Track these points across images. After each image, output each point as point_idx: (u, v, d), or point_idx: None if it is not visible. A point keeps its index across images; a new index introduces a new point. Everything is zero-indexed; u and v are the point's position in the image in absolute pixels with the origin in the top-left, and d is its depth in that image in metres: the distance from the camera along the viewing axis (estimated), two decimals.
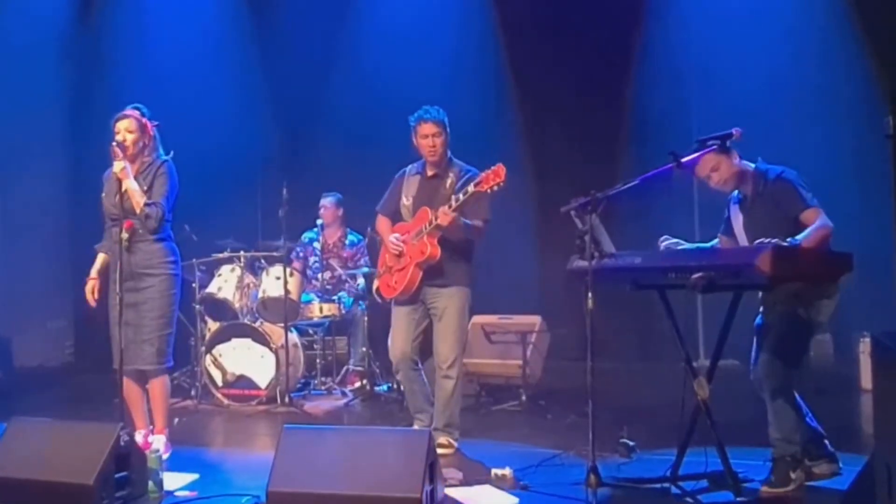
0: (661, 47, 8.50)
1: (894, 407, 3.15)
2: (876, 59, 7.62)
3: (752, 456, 4.45)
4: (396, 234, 5.04)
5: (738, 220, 4.40)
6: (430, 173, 5.10)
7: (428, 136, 4.99)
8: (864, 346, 6.81)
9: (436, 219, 4.76)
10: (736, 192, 4.39)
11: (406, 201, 5.12)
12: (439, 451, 4.74)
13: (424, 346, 5.18)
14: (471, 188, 4.69)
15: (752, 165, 4.32)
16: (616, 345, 8.23)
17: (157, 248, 4.93)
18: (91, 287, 5.08)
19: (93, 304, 5.08)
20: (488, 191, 4.65)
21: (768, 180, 4.24)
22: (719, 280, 3.82)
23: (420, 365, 5.19)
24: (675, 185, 7.36)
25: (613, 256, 4.04)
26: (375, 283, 5.32)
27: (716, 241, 4.58)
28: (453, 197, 4.78)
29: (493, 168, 4.65)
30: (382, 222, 5.27)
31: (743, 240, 4.35)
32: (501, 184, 4.62)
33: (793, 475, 4.14)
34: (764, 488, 4.14)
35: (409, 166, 5.24)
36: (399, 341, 5.08)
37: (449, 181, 5.02)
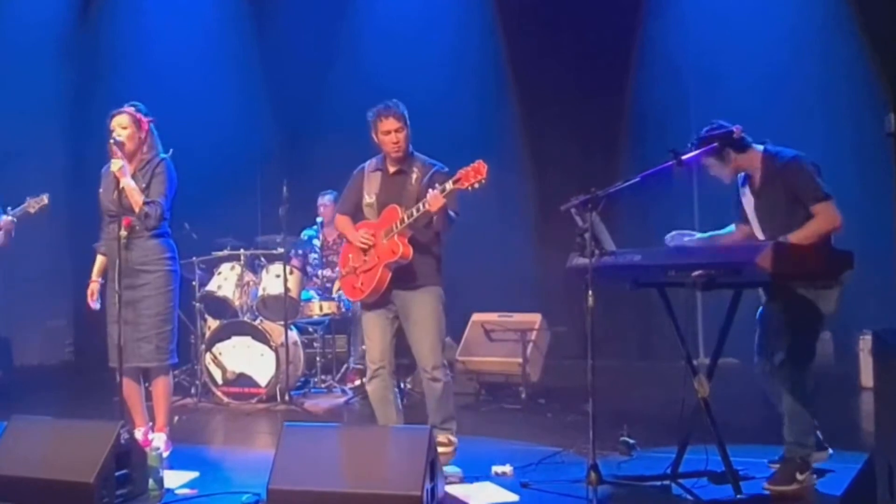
0: (660, 44, 8.50)
1: (895, 404, 3.15)
2: (876, 57, 7.62)
3: (752, 454, 4.45)
4: (364, 230, 4.77)
5: (749, 203, 4.39)
6: (392, 169, 4.80)
7: (390, 132, 4.68)
8: (864, 343, 6.81)
9: (423, 205, 4.49)
10: (743, 174, 4.39)
11: (369, 199, 4.82)
12: (441, 449, 4.71)
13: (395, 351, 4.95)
14: (449, 185, 4.42)
15: (761, 148, 4.31)
16: (616, 343, 8.25)
17: (153, 244, 4.91)
18: (92, 290, 5.06)
19: (93, 306, 5.06)
20: (469, 188, 4.39)
21: (778, 164, 4.23)
22: (720, 278, 3.82)
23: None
24: (676, 183, 7.37)
25: (613, 254, 4.03)
26: (337, 285, 5.09)
27: (731, 227, 4.57)
28: (430, 192, 4.50)
29: (473, 164, 4.39)
30: (343, 221, 4.96)
31: (755, 223, 4.35)
32: (483, 181, 4.35)
33: (799, 476, 4.13)
34: (766, 485, 4.14)
35: (368, 162, 4.93)
36: (378, 346, 4.79)
37: (414, 176, 4.74)
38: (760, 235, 4.34)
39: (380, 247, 4.68)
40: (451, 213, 4.64)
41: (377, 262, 4.67)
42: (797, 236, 4.02)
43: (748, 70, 8.12)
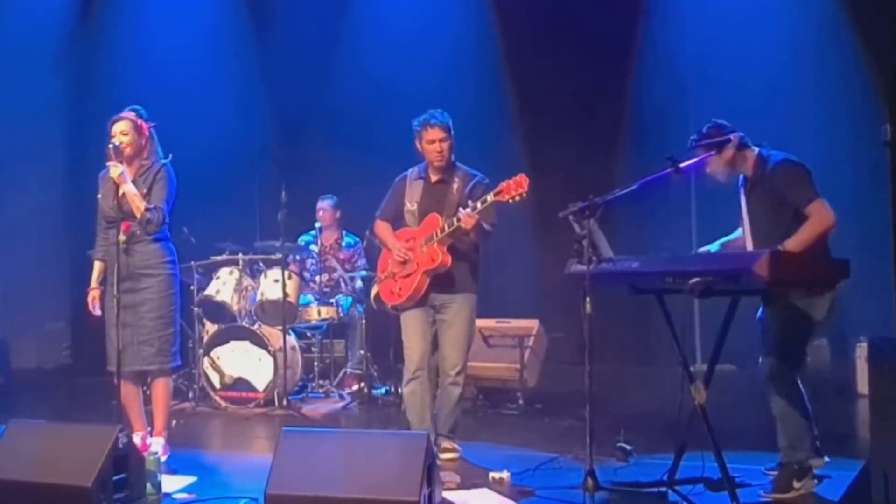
0: (659, 50, 8.52)
1: (891, 412, 3.17)
2: (874, 66, 7.64)
3: (748, 461, 4.46)
4: (401, 244, 4.89)
5: (744, 205, 4.41)
6: (434, 178, 4.92)
7: (435, 142, 4.80)
8: (861, 351, 6.81)
9: (457, 220, 4.60)
10: (742, 175, 4.41)
11: (411, 206, 4.94)
12: (447, 455, 4.73)
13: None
14: (490, 197, 4.53)
15: (756, 150, 4.33)
16: (613, 349, 8.24)
17: (154, 248, 4.92)
18: (93, 297, 5.06)
19: (95, 313, 5.05)
20: (510, 201, 4.48)
21: (768, 167, 4.25)
22: (717, 285, 3.83)
23: None
24: (673, 190, 7.38)
25: (611, 261, 4.05)
26: (374, 289, 5.19)
27: (739, 231, 4.58)
28: (471, 203, 4.62)
29: (514, 178, 4.49)
30: (382, 227, 5.07)
31: (747, 224, 4.37)
32: (524, 194, 4.45)
33: (796, 484, 4.14)
34: (763, 493, 4.15)
35: (410, 170, 5.07)
36: (418, 347, 4.88)
37: (455, 186, 4.86)
38: (749, 237, 4.36)
39: (419, 254, 4.80)
40: (486, 227, 4.75)
41: (416, 268, 4.81)
42: (794, 241, 4.03)
43: (747, 76, 8.14)
